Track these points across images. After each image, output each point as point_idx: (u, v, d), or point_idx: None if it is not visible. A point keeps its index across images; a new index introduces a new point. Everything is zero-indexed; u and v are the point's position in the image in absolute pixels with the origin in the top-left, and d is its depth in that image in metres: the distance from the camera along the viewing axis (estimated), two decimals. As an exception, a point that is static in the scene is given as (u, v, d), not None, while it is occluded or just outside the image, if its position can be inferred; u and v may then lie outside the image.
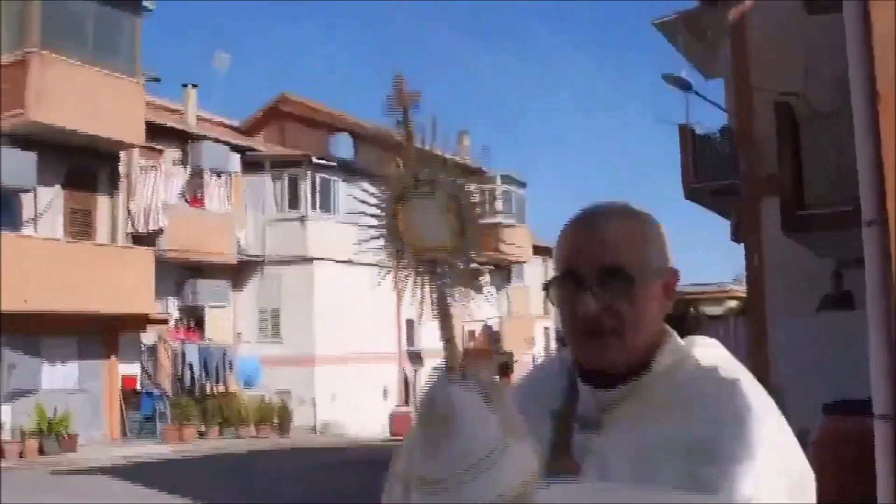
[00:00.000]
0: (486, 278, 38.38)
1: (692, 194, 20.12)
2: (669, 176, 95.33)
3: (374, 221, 1.25)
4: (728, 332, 20.12)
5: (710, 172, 19.72)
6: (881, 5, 2.95)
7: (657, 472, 1.28)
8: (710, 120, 36.45)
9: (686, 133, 19.64)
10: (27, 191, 21.10)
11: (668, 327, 1.46)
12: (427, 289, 1.22)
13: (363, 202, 1.29)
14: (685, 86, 18.43)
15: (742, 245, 20.07)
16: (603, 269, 1.38)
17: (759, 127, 17.62)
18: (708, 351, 1.44)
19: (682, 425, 1.32)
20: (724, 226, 23.52)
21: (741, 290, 47.35)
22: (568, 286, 1.40)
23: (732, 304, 40.84)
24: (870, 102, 2.91)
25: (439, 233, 1.22)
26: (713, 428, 1.29)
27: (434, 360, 1.26)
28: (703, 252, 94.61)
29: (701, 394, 1.35)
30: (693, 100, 21.10)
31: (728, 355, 1.44)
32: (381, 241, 1.24)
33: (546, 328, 46.13)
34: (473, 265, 1.22)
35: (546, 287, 1.44)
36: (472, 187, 1.25)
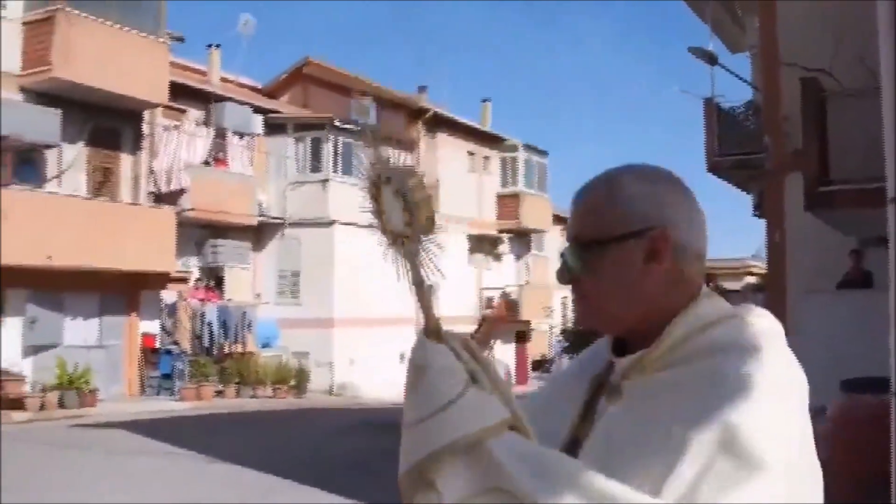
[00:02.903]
0: (504, 246, 38.43)
1: (714, 168, 20.02)
2: (692, 149, 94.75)
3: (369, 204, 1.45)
4: (746, 308, 20.10)
5: (734, 146, 19.62)
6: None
7: (648, 443, 1.26)
8: (735, 94, 36.22)
9: (711, 106, 19.53)
10: (51, 147, 21.20)
11: (705, 294, 1.41)
12: (401, 263, 1.41)
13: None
14: (712, 59, 18.26)
15: (763, 221, 19.99)
16: (572, 240, 1.43)
17: (785, 102, 17.49)
18: (738, 323, 1.36)
19: (677, 401, 1.28)
20: (744, 201, 23.43)
21: (760, 265, 47.31)
22: None
23: (751, 279, 40.76)
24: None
25: (397, 221, 1.39)
26: (703, 411, 1.24)
27: (450, 327, 1.36)
28: (723, 227, 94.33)
29: (702, 370, 1.30)
30: (718, 73, 20.95)
31: (764, 328, 1.35)
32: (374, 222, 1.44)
33: (564, 298, 46.14)
34: (435, 245, 1.39)
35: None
36: (416, 181, 1.37)
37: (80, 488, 11.01)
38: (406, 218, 1.38)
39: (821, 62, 14.97)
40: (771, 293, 18.32)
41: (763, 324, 1.36)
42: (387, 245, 1.42)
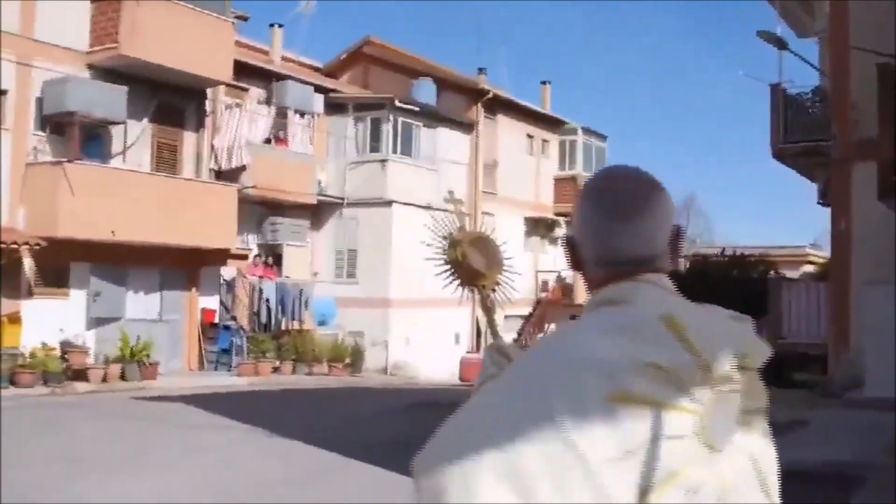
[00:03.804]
0: (561, 230, 38.28)
1: (779, 154, 19.75)
2: (754, 135, 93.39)
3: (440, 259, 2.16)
4: (809, 297, 19.84)
5: (800, 133, 19.33)
6: None
7: None
8: (802, 81, 35.59)
9: (778, 92, 19.25)
10: (117, 124, 21.50)
11: (610, 280, 1.54)
12: (476, 300, 2.18)
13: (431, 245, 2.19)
14: (781, 43, 17.96)
15: (828, 209, 19.67)
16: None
17: (855, 88, 17.19)
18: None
19: None
20: (808, 189, 23.09)
21: (818, 254, 46.62)
22: None
23: (809, 268, 40.17)
24: None
25: (478, 264, 2.12)
26: None
27: (504, 311, 1.60)
28: (784, 215, 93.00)
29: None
30: (784, 60, 20.64)
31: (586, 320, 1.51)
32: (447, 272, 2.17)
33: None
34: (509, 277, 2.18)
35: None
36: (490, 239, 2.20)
37: (143, 459, 11.21)
38: (485, 262, 2.11)
39: (892, 48, 14.66)
40: (834, 282, 18.08)
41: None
42: (460, 285, 2.16)
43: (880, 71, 12.34)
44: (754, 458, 1.35)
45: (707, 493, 1.30)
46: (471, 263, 2.10)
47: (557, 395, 1.32)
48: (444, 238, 2.12)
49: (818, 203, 20.98)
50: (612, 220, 1.50)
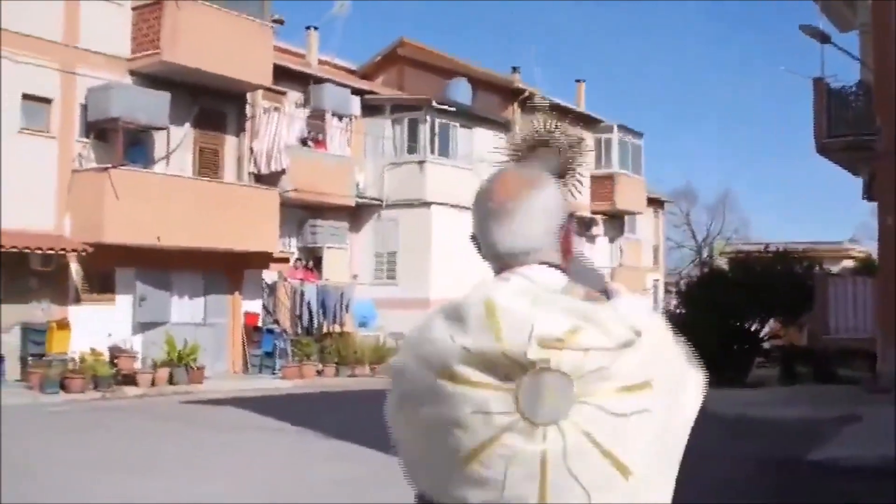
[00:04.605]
0: (598, 228, 38.19)
1: (824, 149, 19.60)
2: (795, 131, 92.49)
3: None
4: (855, 291, 19.67)
5: (844, 128, 19.18)
6: None
7: None
8: (845, 74, 35.28)
9: (821, 86, 19.12)
10: (161, 129, 21.70)
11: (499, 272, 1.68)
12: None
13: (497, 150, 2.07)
14: (823, 37, 17.84)
15: (872, 204, 19.48)
16: None
17: (900, 81, 17.00)
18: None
19: None
20: (851, 184, 22.92)
21: (858, 248, 46.18)
22: None
23: (849, 263, 39.87)
24: None
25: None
26: None
27: None
28: (823, 211, 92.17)
29: None
30: (825, 55, 20.49)
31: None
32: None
33: (656, 280, 45.70)
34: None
35: None
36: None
37: (200, 461, 11.32)
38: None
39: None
40: (881, 277, 17.91)
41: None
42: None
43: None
44: (588, 431, 1.42)
45: (524, 461, 1.41)
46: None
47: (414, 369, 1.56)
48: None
49: (863, 198, 20.83)
50: (488, 219, 1.66)
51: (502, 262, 1.65)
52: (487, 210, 1.67)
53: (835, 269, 32.25)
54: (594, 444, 1.42)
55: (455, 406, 1.45)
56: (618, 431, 1.44)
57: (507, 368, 1.43)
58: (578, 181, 1.99)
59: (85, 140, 20.82)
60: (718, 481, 9.91)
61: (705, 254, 57.96)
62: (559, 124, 2.03)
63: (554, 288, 1.58)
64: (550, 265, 1.64)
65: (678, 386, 1.57)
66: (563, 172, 1.95)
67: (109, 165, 20.13)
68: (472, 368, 1.45)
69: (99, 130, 20.92)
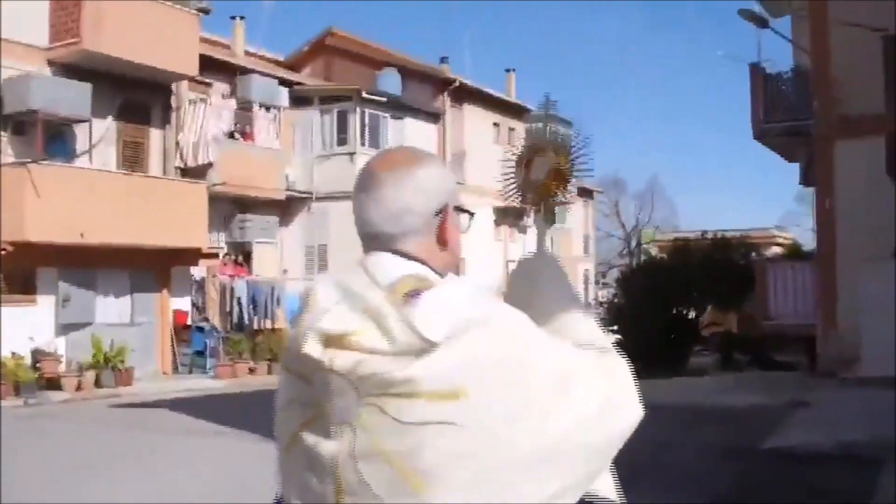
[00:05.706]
0: (529, 219, 38.14)
1: (761, 135, 19.61)
2: (731, 118, 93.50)
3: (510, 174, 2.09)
4: (794, 277, 19.72)
5: (780, 113, 19.21)
6: None
7: None
8: (780, 59, 35.64)
9: (757, 72, 19.09)
10: (82, 122, 20.86)
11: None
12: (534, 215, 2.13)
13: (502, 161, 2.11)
14: (762, 21, 17.78)
15: (801, 191, 19.53)
16: None
17: (836, 64, 17.04)
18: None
19: None
20: (785, 171, 23.04)
21: (784, 235, 46.96)
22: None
23: (777, 249, 40.48)
24: None
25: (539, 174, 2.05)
26: None
27: None
28: (753, 197, 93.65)
29: None
30: (759, 41, 20.52)
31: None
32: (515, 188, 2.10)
33: (586, 270, 45.85)
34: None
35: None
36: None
37: (139, 469, 10.74)
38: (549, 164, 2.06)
39: (876, 21, 14.50)
40: (821, 261, 17.95)
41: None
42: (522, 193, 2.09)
43: (885, 45, 12.14)
44: (376, 436, 1.37)
45: (319, 460, 1.41)
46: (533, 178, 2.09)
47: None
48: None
49: (800, 183, 20.92)
50: (359, 189, 1.61)
51: (364, 243, 1.59)
52: (360, 180, 1.61)
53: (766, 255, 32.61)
54: (380, 450, 1.37)
55: (282, 392, 1.55)
56: (407, 440, 1.36)
57: (306, 363, 1.43)
58: (575, 181, 2.10)
59: (2, 134, 19.88)
60: (676, 471, 9.77)
61: (633, 243, 58.36)
62: (556, 130, 2.10)
63: (388, 282, 1.44)
64: (406, 255, 1.53)
65: (532, 408, 1.40)
66: (564, 177, 2.04)
67: (29, 160, 19.24)
68: (292, 357, 1.48)
69: (16, 123, 20.04)
